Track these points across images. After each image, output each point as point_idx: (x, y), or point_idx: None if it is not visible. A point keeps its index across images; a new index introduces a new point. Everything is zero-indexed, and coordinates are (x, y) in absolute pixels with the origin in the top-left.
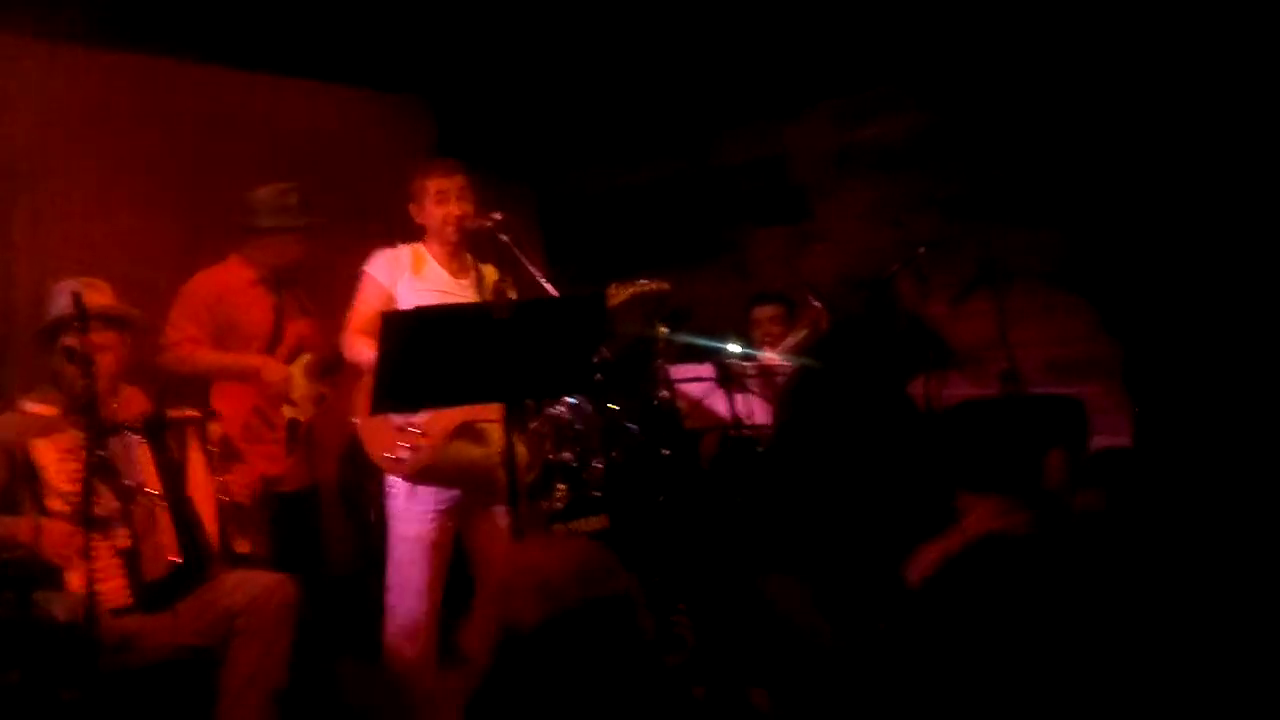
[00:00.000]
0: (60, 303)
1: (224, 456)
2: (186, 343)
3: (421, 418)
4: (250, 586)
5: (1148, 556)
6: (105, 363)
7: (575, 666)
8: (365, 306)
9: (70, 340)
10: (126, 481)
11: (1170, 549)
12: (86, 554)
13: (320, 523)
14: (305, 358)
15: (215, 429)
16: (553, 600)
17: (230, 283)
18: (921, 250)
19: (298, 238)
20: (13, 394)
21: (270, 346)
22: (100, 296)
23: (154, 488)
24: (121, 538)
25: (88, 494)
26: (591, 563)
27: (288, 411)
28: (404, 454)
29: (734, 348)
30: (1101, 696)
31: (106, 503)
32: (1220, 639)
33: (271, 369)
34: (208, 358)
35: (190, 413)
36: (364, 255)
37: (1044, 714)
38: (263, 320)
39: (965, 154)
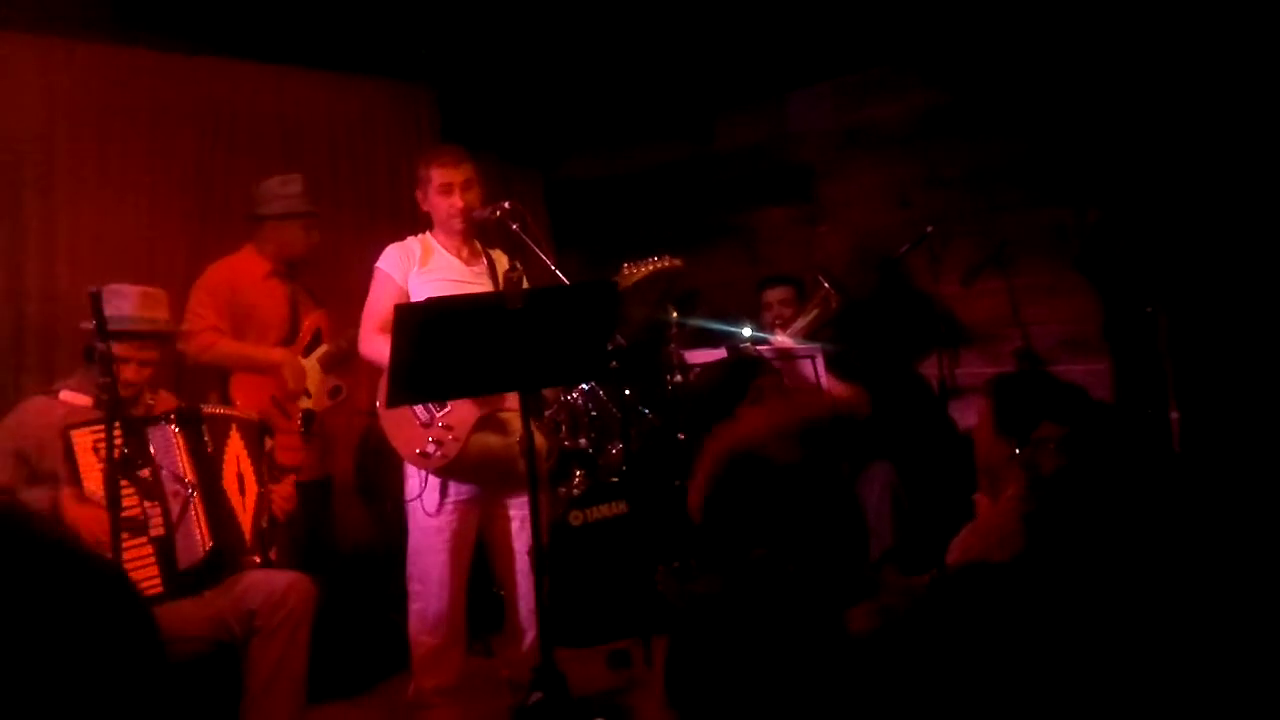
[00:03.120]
0: (114, 304)
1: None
2: (209, 331)
3: (443, 411)
4: (268, 585)
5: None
6: (135, 372)
7: None
8: (379, 304)
9: (94, 343)
10: (164, 470)
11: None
12: (116, 548)
13: (333, 513)
14: (322, 349)
15: (270, 442)
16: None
17: (245, 273)
18: (931, 229)
19: (302, 225)
20: (35, 386)
21: (288, 337)
22: (158, 309)
23: (189, 476)
24: (156, 526)
25: (113, 489)
26: None
27: (303, 402)
28: (431, 449)
29: (746, 331)
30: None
31: (142, 491)
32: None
33: (291, 369)
34: (230, 347)
35: (241, 413)
36: (372, 242)
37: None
38: (278, 311)
39: (973, 131)
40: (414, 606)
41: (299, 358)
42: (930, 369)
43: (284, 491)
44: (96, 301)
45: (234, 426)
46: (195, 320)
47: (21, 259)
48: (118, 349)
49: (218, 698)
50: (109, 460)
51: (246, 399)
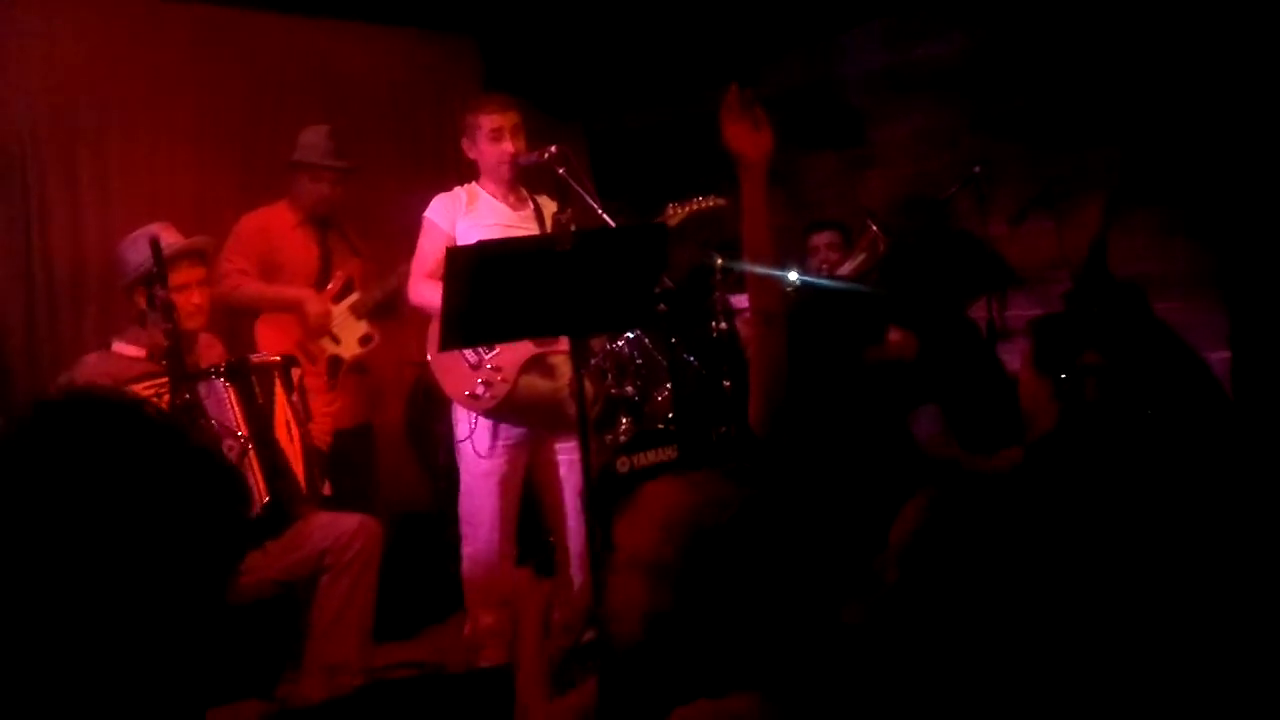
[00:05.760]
0: (140, 250)
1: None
2: (235, 274)
3: (493, 354)
4: (337, 526)
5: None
6: (191, 300)
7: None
8: (428, 252)
9: (152, 289)
10: (216, 424)
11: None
12: None
13: (374, 460)
14: (353, 297)
15: (297, 374)
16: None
17: (275, 222)
18: (979, 169)
19: (326, 177)
20: (94, 337)
21: (317, 286)
22: (170, 237)
23: (242, 430)
24: None
25: None
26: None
27: (330, 348)
28: (480, 390)
29: (792, 276)
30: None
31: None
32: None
33: (313, 301)
34: (253, 289)
35: (273, 358)
36: (416, 193)
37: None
38: (308, 260)
39: (1020, 72)
40: (466, 548)
41: (326, 301)
42: (979, 312)
43: (322, 425)
44: (157, 249)
45: (276, 373)
46: (223, 264)
47: (79, 211)
48: (180, 278)
49: (283, 644)
50: (172, 408)
51: (273, 343)
